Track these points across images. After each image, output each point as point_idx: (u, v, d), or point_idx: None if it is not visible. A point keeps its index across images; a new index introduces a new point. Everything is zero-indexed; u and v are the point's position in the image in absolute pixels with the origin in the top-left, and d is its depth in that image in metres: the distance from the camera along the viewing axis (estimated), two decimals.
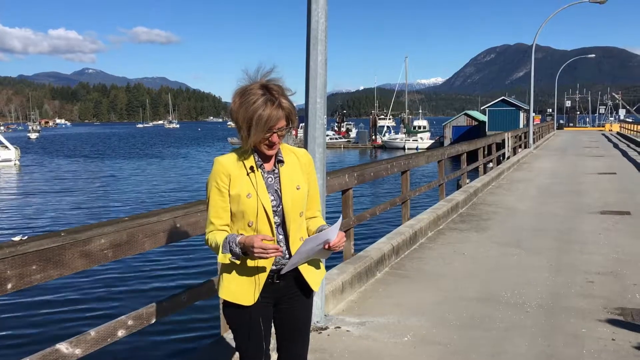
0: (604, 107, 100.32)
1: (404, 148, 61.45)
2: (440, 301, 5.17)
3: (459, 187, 12.79)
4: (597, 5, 26.11)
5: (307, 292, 2.48)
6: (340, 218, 2.39)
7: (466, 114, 58.64)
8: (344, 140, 74.77)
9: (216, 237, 2.31)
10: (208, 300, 4.00)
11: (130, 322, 3.06)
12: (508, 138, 21.72)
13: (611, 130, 56.21)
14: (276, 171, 2.40)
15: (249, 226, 2.32)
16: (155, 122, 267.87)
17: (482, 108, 60.47)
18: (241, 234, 2.29)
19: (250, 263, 2.32)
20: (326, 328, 4.46)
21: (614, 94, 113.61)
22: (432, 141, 63.97)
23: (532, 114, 29.15)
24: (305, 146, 4.19)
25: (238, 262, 2.29)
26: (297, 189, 2.40)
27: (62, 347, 2.68)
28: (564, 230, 8.32)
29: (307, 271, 2.44)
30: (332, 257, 2.95)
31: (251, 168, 2.34)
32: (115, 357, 8.01)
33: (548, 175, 15.95)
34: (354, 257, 5.95)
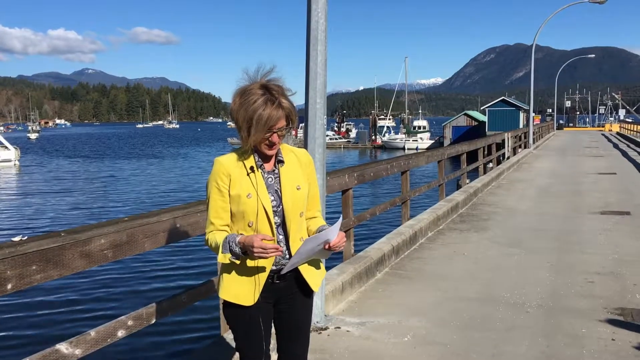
0: (604, 107, 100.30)
1: (403, 148, 61.45)
2: (440, 301, 5.17)
3: (458, 187, 12.79)
4: (597, 5, 26.12)
5: (307, 292, 2.48)
6: (340, 218, 2.39)
7: (466, 114, 58.64)
8: (343, 140, 74.76)
9: (216, 237, 2.31)
10: (208, 301, 4.00)
11: (130, 323, 3.06)
12: (508, 138, 21.72)
13: (611, 131, 56.22)
14: (276, 171, 2.40)
15: (249, 226, 2.32)
16: (155, 123, 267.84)
17: (482, 108, 60.49)
18: (241, 234, 2.29)
19: (250, 263, 2.32)
20: (326, 328, 4.45)
21: (613, 94, 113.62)
22: (432, 141, 63.97)
23: (532, 114, 29.16)
24: (305, 146, 4.19)
25: (238, 262, 2.29)
26: (297, 189, 2.39)
27: (62, 347, 2.68)
28: (564, 231, 8.32)
29: (307, 271, 2.44)
30: (332, 258, 2.95)
31: (251, 168, 2.33)
32: (115, 357, 8.01)
33: (548, 175, 15.95)
34: (354, 257, 5.95)
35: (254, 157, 2.35)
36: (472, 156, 13.84)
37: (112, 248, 2.98)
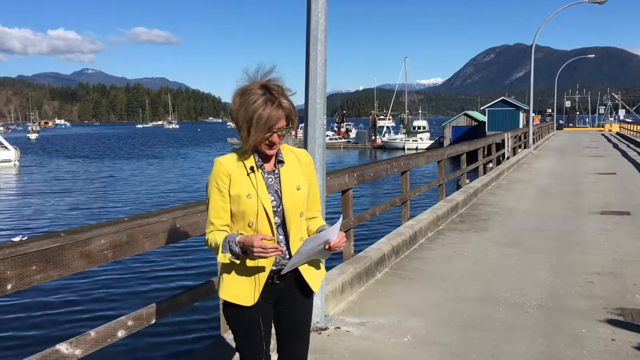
0: (604, 107, 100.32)
1: (403, 148, 61.45)
2: (440, 301, 5.17)
3: (458, 187, 12.79)
4: (596, 5, 26.13)
5: (307, 292, 2.48)
6: (341, 218, 2.39)
7: (466, 114, 58.64)
8: (343, 140, 74.76)
9: (216, 237, 2.31)
10: (208, 301, 4.00)
11: (130, 323, 3.06)
12: (508, 138, 21.73)
13: (611, 131, 56.23)
14: (276, 171, 2.40)
15: (249, 226, 2.32)
16: (154, 123, 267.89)
17: (481, 108, 60.50)
18: (241, 234, 2.29)
19: (250, 263, 2.32)
20: (326, 328, 4.45)
21: (613, 94, 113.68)
22: (432, 141, 63.98)
23: (532, 114, 29.17)
24: (305, 146, 4.19)
25: (238, 261, 2.29)
26: (298, 189, 2.39)
27: (62, 347, 2.68)
28: (564, 231, 8.32)
29: (307, 272, 2.44)
30: (332, 258, 2.95)
31: (251, 168, 2.33)
32: (115, 357, 8.01)
33: (548, 175, 15.96)
34: (353, 257, 5.95)
35: (254, 157, 2.35)
36: (472, 156, 13.84)
37: (112, 248, 2.98)
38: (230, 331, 2.54)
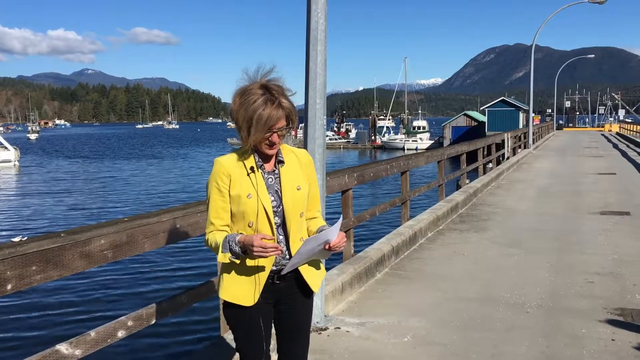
0: (604, 107, 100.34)
1: (403, 148, 61.46)
2: (440, 302, 5.17)
3: (458, 187, 12.80)
4: (596, 6, 26.14)
5: (307, 292, 2.48)
6: (341, 218, 2.39)
7: (466, 115, 58.66)
8: (343, 140, 74.78)
9: (216, 237, 2.31)
10: (208, 302, 4.00)
11: (130, 323, 3.06)
12: (507, 138, 21.73)
13: (611, 131, 56.24)
14: (276, 171, 2.40)
15: (249, 227, 2.32)
16: (154, 123, 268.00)
17: (481, 108, 60.50)
18: (241, 234, 2.29)
19: (250, 263, 2.32)
20: (326, 329, 4.45)
21: (613, 94, 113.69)
22: (432, 142, 63.99)
23: (532, 114, 29.17)
24: (305, 146, 4.19)
25: (238, 261, 2.28)
26: (298, 189, 2.39)
27: (62, 347, 2.68)
28: (564, 231, 8.32)
29: (307, 272, 2.44)
30: (332, 258, 2.95)
31: (251, 168, 2.33)
32: (115, 358, 8.01)
33: (548, 175, 15.96)
34: (353, 257, 5.95)
35: (254, 157, 2.35)
36: (471, 156, 13.85)
37: (112, 248, 2.98)
38: (230, 331, 2.54)
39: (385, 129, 76.17)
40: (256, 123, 2.22)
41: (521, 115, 51.89)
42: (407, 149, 59.00)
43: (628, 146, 29.23)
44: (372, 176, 6.89)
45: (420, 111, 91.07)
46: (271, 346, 2.51)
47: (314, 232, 2.47)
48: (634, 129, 39.91)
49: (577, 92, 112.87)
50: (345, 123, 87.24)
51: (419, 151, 33.94)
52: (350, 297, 5.30)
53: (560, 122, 68.68)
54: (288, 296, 2.45)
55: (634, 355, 3.92)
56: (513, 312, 4.85)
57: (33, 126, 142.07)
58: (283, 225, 2.38)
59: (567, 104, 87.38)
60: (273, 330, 2.53)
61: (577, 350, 4.02)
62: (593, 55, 63.99)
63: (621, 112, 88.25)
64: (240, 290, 2.35)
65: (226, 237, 2.27)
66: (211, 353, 3.73)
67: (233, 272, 2.36)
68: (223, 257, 2.26)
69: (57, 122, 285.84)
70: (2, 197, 28.28)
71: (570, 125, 72.13)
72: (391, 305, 5.10)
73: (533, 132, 28.08)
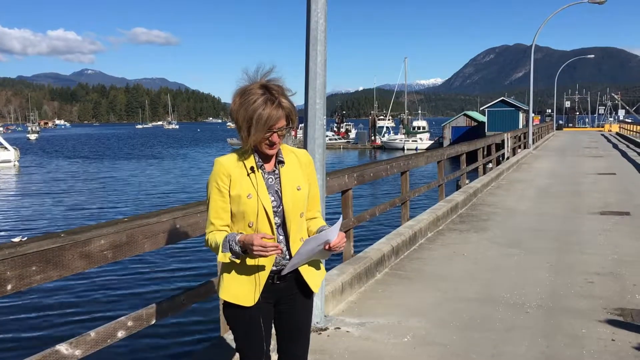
0: (604, 107, 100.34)
1: (403, 149, 61.46)
2: (440, 302, 5.17)
3: (458, 187, 12.80)
4: (596, 6, 26.15)
5: (307, 293, 2.48)
6: (340, 218, 2.39)
7: (465, 115, 58.65)
8: (343, 140, 74.78)
9: (216, 237, 2.31)
10: (208, 302, 4.00)
11: (130, 323, 3.06)
12: (507, 138, 21.74)
13: (610, 131, 56.25)
14: (276, 172, 2.40)
15: (249, 227, 2.32)
16: (154, 123, 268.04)
17: (481, 108, 60.48)
18: (241, 233, 2.29)
19: (250, 262, 2.32)
20: (326, 329, 4.45)
21: (613, 94, 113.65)
22: (432, 142, 63.97)
23: (532, 115, 29.18)
24: (305, 147, 4.19)
25: (238, 261, 2.28)
26: (298, 189, 2.39)
27: (62, 347, 2.68)
28: (564, 231, 8.32)
29: (307, 272, 2.44)
30: (332, 258, 2.95)
31: (251, 168, 2.33)
32: (115, 358, 8.00)
33: (547, 175, 15.96)
34: (353, 257, 5.95)
35: (254, 157, 2.35)
36: (471, 157, 13.85)
37: (112, 249, 2.98)
38: (230, 332, 2.53)
39: (385, 129, 76.17)
40: (256, 123, 2.22)
41: (521, 116, 51.88)
42: (407, 149, 58.99)
43: (628, 146, 29.24)
44: (372, 176, 6.89)
45: (420, 111, 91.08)
46: (271, 346, 2.51)
47: (314, 232, 2.46)
48: (634, 129, 39.92)
49: (577, 92, 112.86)
50: (345, 123, 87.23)
51: (418, 151, 33.94)
52: (350, 298, 5.30)
53: (560, 122, 68.68)
54: (288, 296, 2.45)
55: (634, 355, 3.92)
56: (513, 312, 4.85)
57: (33, 126, 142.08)
58: (283, 225, 2.38)
59: (567, 104, 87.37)
60: (273, 331, 2.53)
61: (577, 350, 4.02)
62: (593, 56, 63.97)
63: (621, 112, 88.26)
64: (241, 290, 2.35)
65: (226, 237, 2.26)
66: (211, 353, 3.73)
67: (233, 272, 2.36)
68: (223, 257, 2.26)
69: (57, 122, 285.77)
70: (2, 198, 28.27)
71: (570, 125, 72.14)
72: (391, 305, 5.10)
73: (533, 132, 28.09)
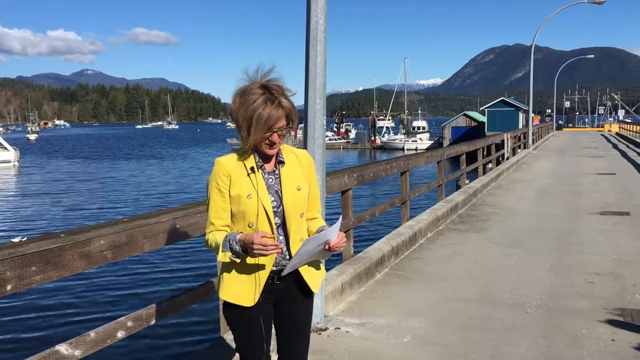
0: (603, 107, 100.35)
1: (403, 149, 61.46)
2: (439, 302, 5.17)
3: (458, 187, 12.79)
4: (596, 6, 26.15)
5: (307, 293, 2.48)
6: (340, 218, 2.39)
7: (465, 115, 58.66)
8: (343, 141, 74.77)
9: (216, 236, 2.31)
10: (208, 303, 3.99)
11: (129, 324, 3.06)
12: (507, 139, 21.74)
13: (610, 131, 56.25)
14: (277, 172, 2.40)
15: (249, 227, 2.32)
16: (154, 123, 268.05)
17: (481, 109, 60.49)
18: (241, 233, 2.28)
19: (250, 262, 2.32)
20: (326, 329, 4.45)
21: (613, 94, 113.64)
22: (432, 142, 63.97)
23: (532, 115, 29.18)
24: (305, 147, 4.19)
25: (238, 260, 2.28)
26: (298, 189, 2.39)
27: (62, 348, 2.67)
28: (564, 231, 8.32)
29: (307, 272, 2.44)
30: (332, 258, 2.95)
31: (252, 169, 2.33)
32: (115, 358, 8.00)
33: (547, 175, 15.96)
34: (353, 258, 5.95)
35: (254, 157, 2.35)
36: (471, 157, 13.85)
37: (112, 249, 2.97)
38: (230, 332, 2.53)
39: (384, 129, 76.17)
40: (256, 123, 2.22)
41: (521, 116, 51.89)
42: (407, 149, 59.00)
43: (628, 146, 29.23)
44: (371, 176, 6.89)
45: (419, 111, 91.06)
46: (271, 346, 2.50)
47: (314, 232, 2.46)
48: (634, 129, 39.93)
49: (576, 93, 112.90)
50: (345, 123, 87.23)
51: (418, 151, 33.93)
52: (350, 298, 5.30)
53: (560, 122, 68.69)
54: (288, 296, 2.45)
55: (634, 356, 3.92)
56: (513, 312, 4.85)
57: (32, 126, 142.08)
58: (283, 225, 2.37)
59: (567, 104, 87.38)
60: (273, 331, 2.52)
61: (577, 350, 4.02)
62: (593, 56, 63.96)
63: (621, 113, 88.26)
64: (241, 290, 2.35)
65: (226, 236, 2.26)
66: (211, 354, 3.72)
67: (233, 272, 2.35)
68: (223, 257, 2.26)
69: (57, 122, 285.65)
70: (2, 198, 28.27)
71: (570, 125, 72.14)
72: (391, 305, 5.09)
73: (533, 133, 28.09)
